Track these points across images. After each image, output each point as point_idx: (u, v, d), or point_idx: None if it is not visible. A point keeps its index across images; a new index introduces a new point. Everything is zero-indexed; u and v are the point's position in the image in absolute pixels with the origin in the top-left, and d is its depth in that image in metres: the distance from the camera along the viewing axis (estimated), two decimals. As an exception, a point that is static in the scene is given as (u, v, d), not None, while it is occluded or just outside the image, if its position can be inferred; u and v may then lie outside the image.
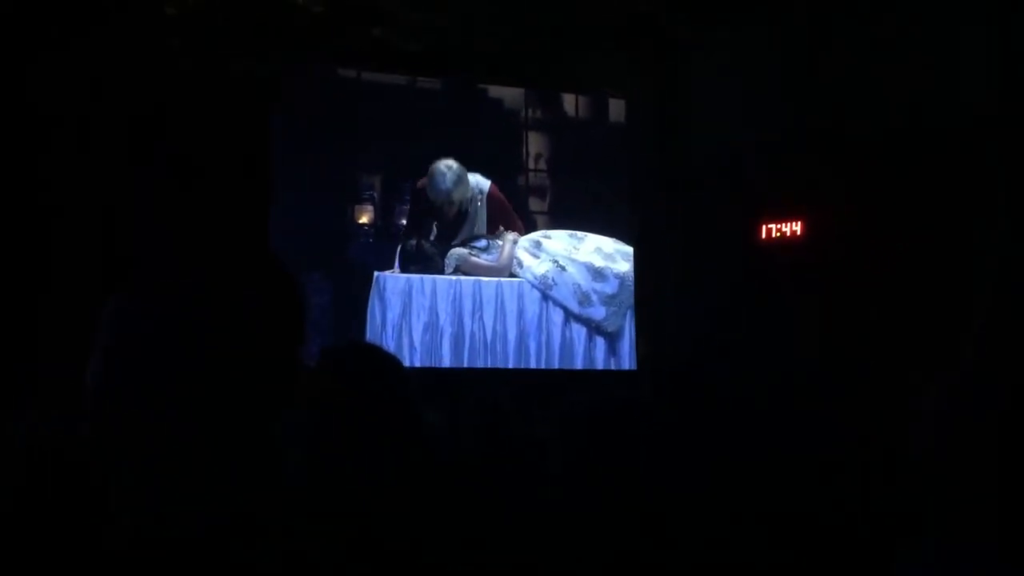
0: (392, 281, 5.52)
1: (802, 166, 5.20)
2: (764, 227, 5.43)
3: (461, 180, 5.65)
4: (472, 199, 5.72)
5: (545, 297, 5.91)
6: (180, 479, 1.00)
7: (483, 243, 5.78)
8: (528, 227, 6.04)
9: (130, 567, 0.99)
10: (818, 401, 4.18)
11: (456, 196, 5.65)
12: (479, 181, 5.80)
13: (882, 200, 4.82)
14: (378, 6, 5.26)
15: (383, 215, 5.62)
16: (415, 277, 5.57)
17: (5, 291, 4.12)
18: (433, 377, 5.25)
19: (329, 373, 1.78)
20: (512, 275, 5.87)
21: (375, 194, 5.62)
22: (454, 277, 5.68)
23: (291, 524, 1.07)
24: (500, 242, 5.80)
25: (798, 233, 5.37)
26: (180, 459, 1.01)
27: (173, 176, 4.43)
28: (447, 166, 5.62)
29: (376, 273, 5.48)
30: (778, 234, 5.43)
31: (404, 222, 5.65)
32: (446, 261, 5.66)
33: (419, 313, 5.53)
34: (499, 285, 5.79)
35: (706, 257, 5.64)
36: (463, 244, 5.73)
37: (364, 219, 5.58)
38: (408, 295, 5.51)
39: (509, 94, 6.05)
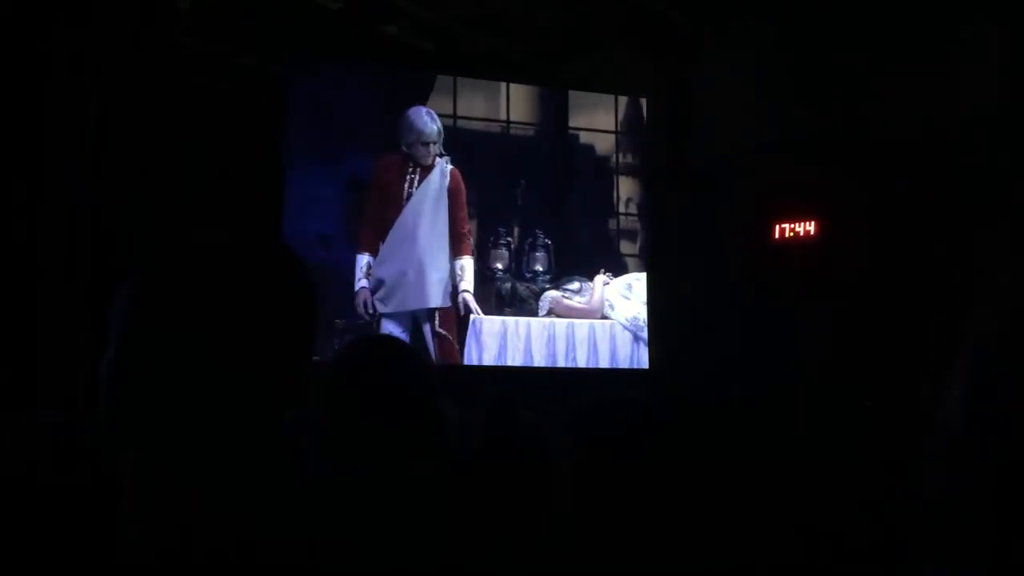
0: (488, 323, 5.66)
1: (815, 166, 5.31)
2: (777, 227, 5.62)
3: (441, 130, 5.64)
4: (442, 162, 5.62)
5: (636, 338, 5.99)
6: (189, 475, 1.00)
7: (575, 285, 5.90)
8: (620, 270, 6.09)
9: (139, 568, 0.97)
10: (830, 401, 4.08)
11: (438, 138, 5.60)
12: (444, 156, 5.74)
13: (895, 201, 4.89)
14: (393, 4, 5.32)
15: (479, 259, 5.71)
16: (510, 319, 5.72)
17: (5, 290, 4.13)
18: (448, 373, 5.28)
19: (348, 364, 1.78)
20: (604, 317, 5.95)
21: (471, 239, 5.71)
22: (548, 319, 5.80)
23: (304, 517, 1.03)
24: (592, 284, 5.92)
25: (812, 233, 5.50)
26: (189, 453, 1.00)
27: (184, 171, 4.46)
28: (428, 111, 5.66)
29: (472, 314, 5.62)
30: (791, 234, 5.57)
31: (499, 265, 5.80)
32: (539, 303, 5.81)
33: (514, 355, 5.67)
34: (591, 327, 5.90)
35: (719, 256, 5.79)
36: (556, 287, 5.85)
37: None
38: (504, 337, 5.67)
39: (600, 140, 6.15)
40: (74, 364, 3.92)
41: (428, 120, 5.56)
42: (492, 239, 5.79)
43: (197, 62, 4.74)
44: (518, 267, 5.81)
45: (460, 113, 5.78)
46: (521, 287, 5.77)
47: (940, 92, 4.80)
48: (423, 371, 1.83)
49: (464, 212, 5.59)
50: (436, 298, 5.46)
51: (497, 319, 5.69)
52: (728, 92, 5.80)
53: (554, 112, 6.01)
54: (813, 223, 5.47)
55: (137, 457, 1.01)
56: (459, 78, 5.75)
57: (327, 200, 5.42)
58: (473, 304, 5.53)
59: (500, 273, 5.78)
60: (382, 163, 5.51)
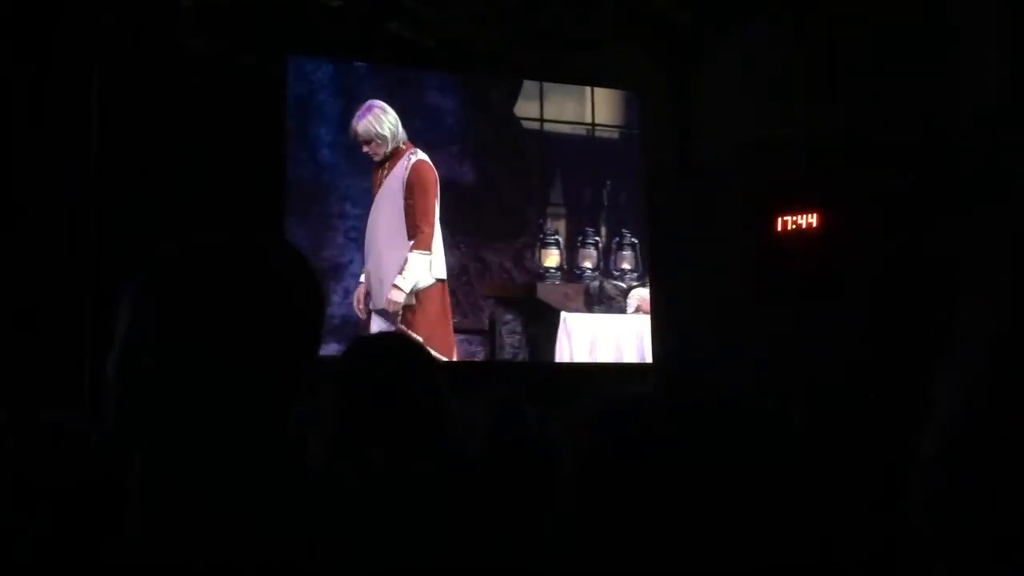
0: (579, 321, 5.86)
1: (815, 164, 5.35)
2: (779, 221, 5.67)
3: (396, 123, 5.47)
4: (408, 155, 5.49)
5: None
6: (193, 474, 1.00)
7: None
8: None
9: (144, 568, 0.97)
10: (832, 398, 4.11)
11: (360, 136, 5.43)
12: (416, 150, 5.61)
13: (895, 200, 4.91)
14: (394, 1, 5.34)
15: (568, 258, 5.95)
16: (600, 316, 5.92)
17: (6, 290, 4.13)
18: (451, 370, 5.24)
19: (353, 362, 1.77)
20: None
21: (560, 238, 5.94)
22: (636, 316, 6.01)
23: (307, 517, 1.03)
24: None
25: (814, 225, 5.54)
26: (193, 452, 1.00)
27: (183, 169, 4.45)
28: (369, 108, 5.50)
29: (563, 313, 5.81)
30: (794, 227, 5.61)
31: (587, 264, 5.97)
32: (627, 301, 5.98)
33: (604, 350, 5.86)
34: (678, 323, 6.11)
35: (721, 252, 5.82)
36: (643, 285, 6.02)
37: (550, 262, 5.89)
38: (594, 333, 5.86)
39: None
40: (76, 364, 3.92)
41: (354, 120, 5.42)
42: (580, 239, 5.99)
43: (197, 62, 4.73)
44: (606, 266, 5.99)
45: (547, 117, 5.99)
46: (609, 285, 5.96)
47: (940, 92, 4.81)
48: (430, 370, 1.80)
49: (424, 205, 5.46)
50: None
51: (587, 316, 5.90)
52: (729, 90, 5.84)
53: (638, 114, 6.18)
54: (814, 220, 5.52)
55: (142, 456, 1.01)
56: (545, 83, 5.96)
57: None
58: (394, 299, 5.32)
59: (589, 272, 5.97)
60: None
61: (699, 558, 1.33)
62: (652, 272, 6.00)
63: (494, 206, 5.79)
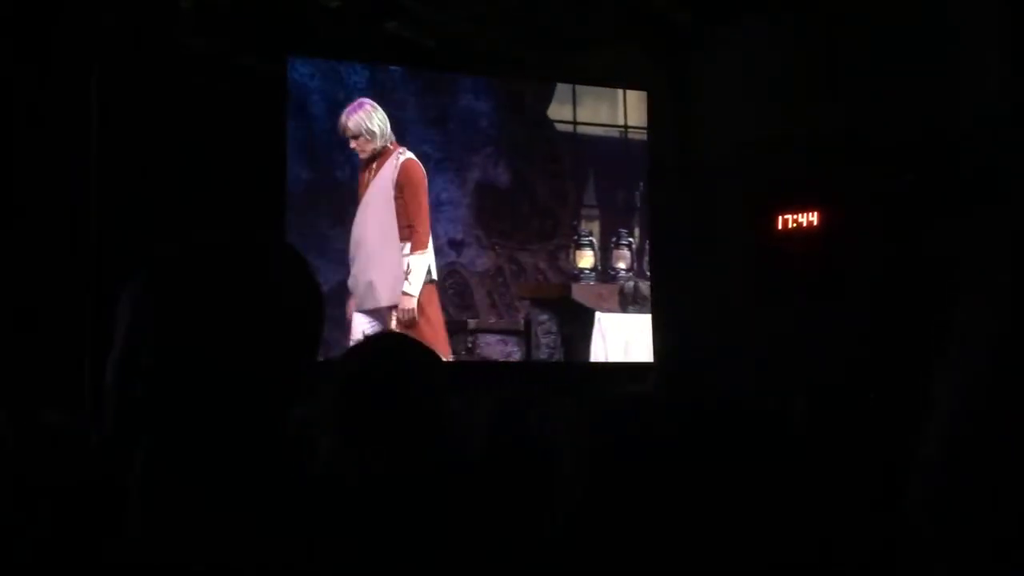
0: (613, 321, 5.92)
1: (815, 164, 5.37)
2: (779, 220, 5.68)
3: (385, 122, 5.49)
4: (396, 154, 5.50)
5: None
6: (193, 474, 1.00)
7: None
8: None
9: (144, 568, 0.98)
10: (834, 398, 4.11)
11: (352, 132, 5.45)
12: (404, 149, 5.60)
13: (896, 199, 4.92)
14: (394, 1, 5.36)
15: (602, 258, 6.01)
16: (634, 317, 5.98)
17: (6, 290, 4.13)
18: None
19: (354, 362, 1.77)
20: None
21: (594, 239, 5.99)
22: None
23: (308, 517, 1.03)
24: None
25: (814, 225, 5.56)
26: (193, 453, 1.01)
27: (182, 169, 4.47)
28: (357, 105, 5.52)
29: (597, 313, 5.87)
30: (794, 226, 5.63)
31: (621, 265, 6.02)
32: None
33: (639, 350, 5.91)
34: (711, 322, 6.19)
35: (721, 251, 5.85)
36: None
37: (585, 263, 5.95)
38: (629, 334, 5.92)
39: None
40: (76, 364, 3.92)
41: (344, 115, 5.43)
42: (614, 240, 6.03)
43: (197, 62, 4.75)
44: (640, 266, 6.03)
45: (580, 119, 6.03)
46: (644, 286, 6.02)
47: (940, 92, 4.81)
48: (430, 370, 1.80)
49: (416, 206, 5.46)
50: (384, 297, 5.35)
51: (622, 317, 5.95)
52: (729, 90, 5.86)
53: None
54: (815, 219, 5.55)
55: (142, 457, 1.01)
56: (578, 87, 5.99)
57: (455, 204, 5.66)
58: (406, 307, 5.33)
59: (623, 273, 6.00)
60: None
61: (699, 558, 1.32)
62: (652, 272, 6.02)
63: (528, 208, 5.86)
